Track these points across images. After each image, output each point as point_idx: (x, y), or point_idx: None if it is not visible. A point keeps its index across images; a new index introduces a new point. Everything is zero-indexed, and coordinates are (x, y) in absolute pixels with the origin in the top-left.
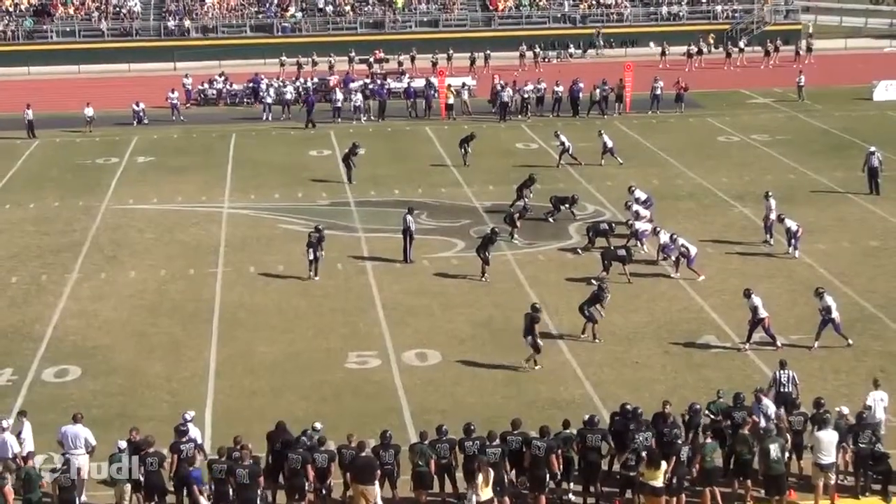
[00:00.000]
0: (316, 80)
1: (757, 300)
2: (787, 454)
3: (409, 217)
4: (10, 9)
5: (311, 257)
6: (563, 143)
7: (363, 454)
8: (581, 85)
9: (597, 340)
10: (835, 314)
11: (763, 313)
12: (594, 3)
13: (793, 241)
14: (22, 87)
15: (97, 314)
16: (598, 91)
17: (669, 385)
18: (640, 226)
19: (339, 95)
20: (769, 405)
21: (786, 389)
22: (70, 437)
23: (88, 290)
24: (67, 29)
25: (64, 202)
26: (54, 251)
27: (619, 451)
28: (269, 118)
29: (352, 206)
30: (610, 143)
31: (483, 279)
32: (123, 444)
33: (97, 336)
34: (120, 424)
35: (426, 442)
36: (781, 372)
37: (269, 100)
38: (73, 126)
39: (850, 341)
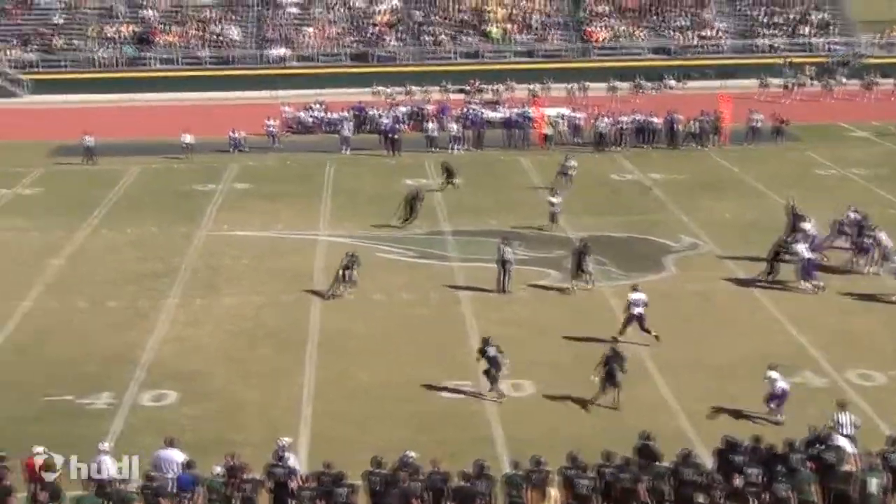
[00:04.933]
0: (405, 108)
1: (774, 374)
2: (886, 492)
3: (506, 248)
4: (113, 36)
5: (345, 278)
6: (571, 167)
7: (464, 483)
8: (678, 116)
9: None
10: None
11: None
12: (693, 34)
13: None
14: (122, 113)
15: (194, 339)
16: (695, 123)
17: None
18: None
19: (435, 125)
20: (840, 440)
21: (846, 431)
22: (164, 462)
23: (185, 316)
24: (168, 56)
25: (162, 228)
26: (152, 276)
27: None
28: (348, 152)
29: (447, 235)
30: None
31: (590, 287)
32: (219, 469)
33: (194, 361)
34: (215, 450)
35: (520, 472)
36: (842, 414)
37: (346, 132)
38: (171, 153)
39: None
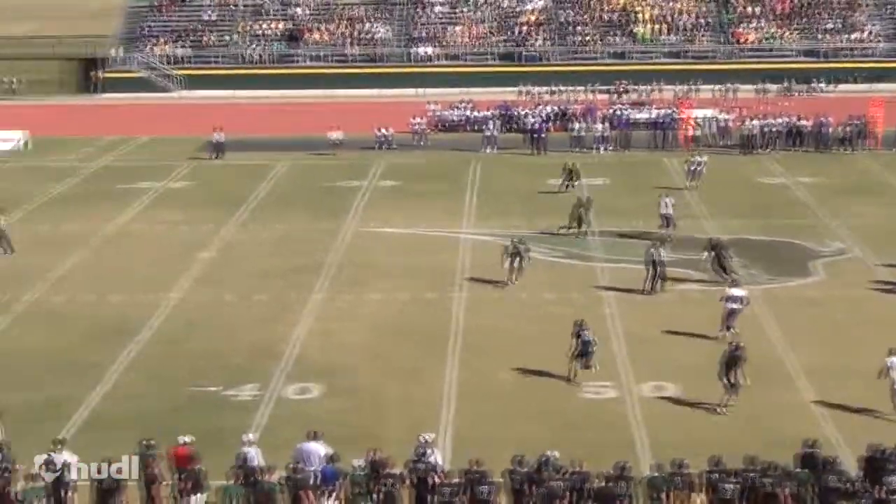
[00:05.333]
0: (550, 108)
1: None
2: None
3: (657, 250)
4: (264, 33)
5: (511, 264)
6: (700, 163)
7: (604, 484)
8: (829, 119)
9: (727, 406)
10: None
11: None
12: (844, 37)
13: None
14: (271, 109)
15: (339, 334)
16: (845, 127)
17: None
18: None
19: (580, 125)
20: None
21: None
22: (306, 455)
23: (331, 311)
24: (316, 54)
25: (309, 223)
26: (299, 271)
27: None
28: (491, 150)
29: (592, 235)
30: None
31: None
32: (360, 462)
33: (339, 356)
34: (358, 444)
35: (661, 474)
36: None
37: (489, 132)
38: (319, 149)
39: None
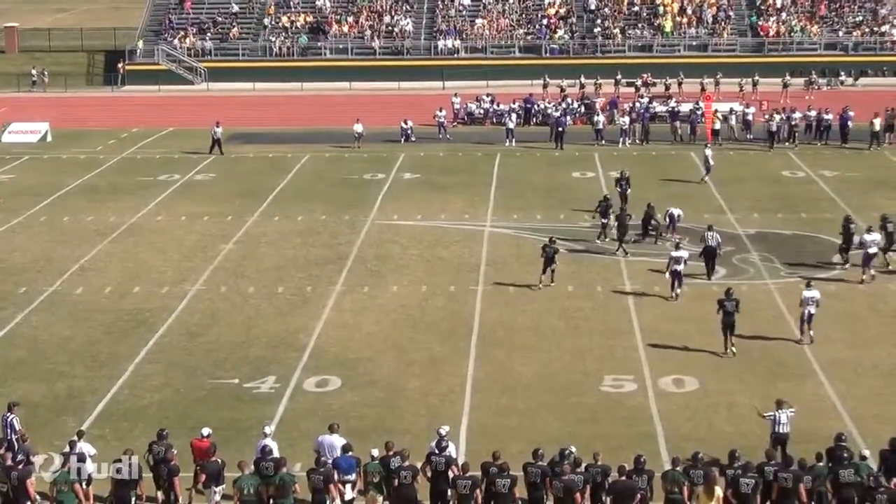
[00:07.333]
0: (567, 101)
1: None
2: None
3: (710, 234)
4: (287, 26)
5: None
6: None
7: (623, 477)
8: (851, 113)
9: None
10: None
11: None
12: (867, 30)
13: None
14: (294, 102)
15: (359, 327)
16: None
17: None
18: None
19: (603, 117)
20: None
21: None
22: (326, 447)
23: (351, 303)
24: (340, 46)
25: (330, 216)
26: (320, 263)
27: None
28: (513, 144)
29: (614, 228)
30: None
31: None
32: (376, 452)
33: (358, 348)
34: (376, 437)
35: (679, 468)
36: None
37: (511, 125)
38: (341, 141)
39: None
